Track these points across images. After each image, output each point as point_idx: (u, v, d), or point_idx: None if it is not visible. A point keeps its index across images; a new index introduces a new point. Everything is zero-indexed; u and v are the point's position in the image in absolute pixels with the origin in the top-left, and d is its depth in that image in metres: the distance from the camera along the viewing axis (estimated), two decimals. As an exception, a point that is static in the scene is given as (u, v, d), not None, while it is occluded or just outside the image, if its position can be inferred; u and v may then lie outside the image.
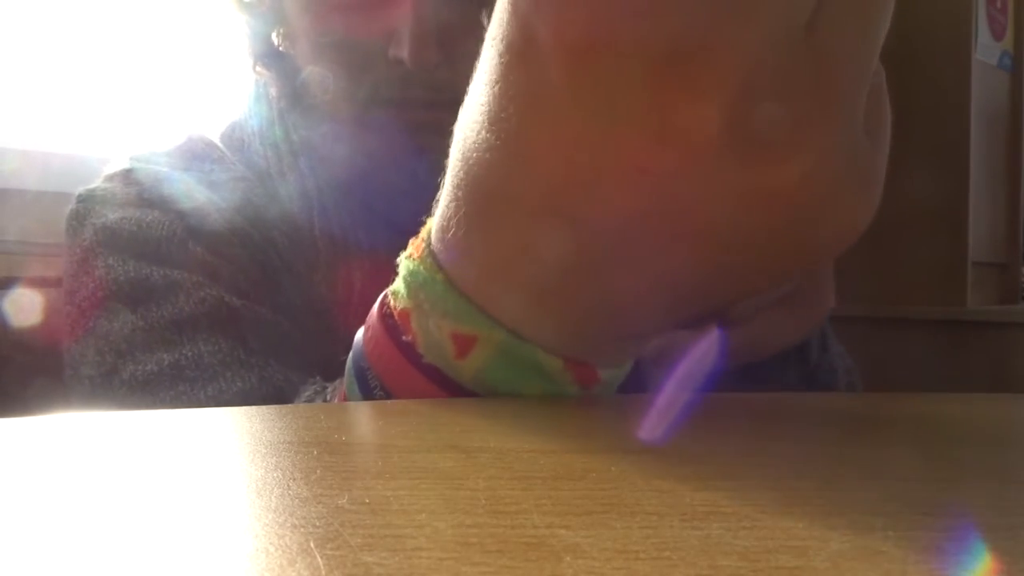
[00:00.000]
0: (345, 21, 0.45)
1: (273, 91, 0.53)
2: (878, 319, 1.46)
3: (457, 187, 0.24)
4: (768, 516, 0.13)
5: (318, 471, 0.16)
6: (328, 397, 0.36)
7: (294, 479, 0.15)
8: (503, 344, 0.24)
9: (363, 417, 0.23)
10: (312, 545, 0.11)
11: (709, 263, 0.22)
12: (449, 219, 0.24)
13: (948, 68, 1.59)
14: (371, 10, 0.45)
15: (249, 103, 0.55)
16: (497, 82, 0.21)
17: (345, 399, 0.28)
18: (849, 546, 0.12)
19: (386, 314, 0.26)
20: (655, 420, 0.20)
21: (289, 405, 0.32)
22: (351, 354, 0.28)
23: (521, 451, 0.18)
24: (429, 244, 0.26)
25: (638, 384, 0.27)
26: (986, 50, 1.62)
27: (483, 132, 0.22)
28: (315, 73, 0.48)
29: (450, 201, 0.24)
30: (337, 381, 0.37)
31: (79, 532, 0.12)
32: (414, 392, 0.26)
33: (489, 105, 0.22)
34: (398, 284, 0.27)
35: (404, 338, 0.25)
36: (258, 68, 0.53)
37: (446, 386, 0.25)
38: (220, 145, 0.54)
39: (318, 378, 0.40)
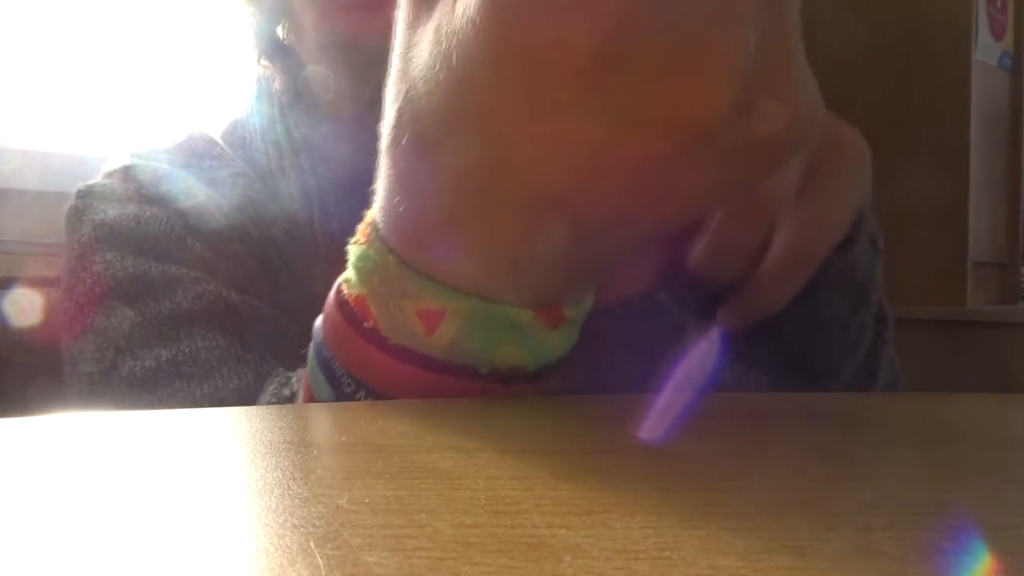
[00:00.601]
0: (350, 20, 0.45)
1: (277, 85, 0.53)
2: (878, 319, 1.46)
3: (422, 180, 0.24)
4: (768, 516, 0.13)
5: (318, 471, 0.16)
6: (294, 388, 0.36)
7: (294, 479, 0.15)
8: (473, 312, 0.24)
9: (363, 417, 0.23)
10: (312, 545, 0.11)
11: (690, 209, 0.24)
12: (414, 212, 0.24)
13: (948, 68, 1.59)
14: (376, 9, 0.45)
15: (251, 101, 0.55)
16: (477, 87, 0.21)
17: (309, 390, 0.28)
18: (849, 546, 0.12)
19: (342, 302, 0.26)
20: (655, 420, 0.20)
21: (289, 405, 0.32)
22: (312, 344, 0.28)
23: (521, 451, 0.18)
24: (376, 228, 0.26)
25: (644, 383, 0.27)
26: (986, 50, 1.62)
27: (461, 132, 0.22)
28: (318, 72, 0.48)
29: (412, 193, 0.24)
30: (300, 371, 0.37)
31: (79, 532, 0.12)
32: (385, 376, 0.26)
33: (466, 107, 0.22)
34: (349, 271, 0.27)
35: (365, 324, 0.25)
36: (262, 61, 0.53)
37: (418, 363, 0.25)
38: (221, 142, 0.54)
39: (280, 370, 0.40)
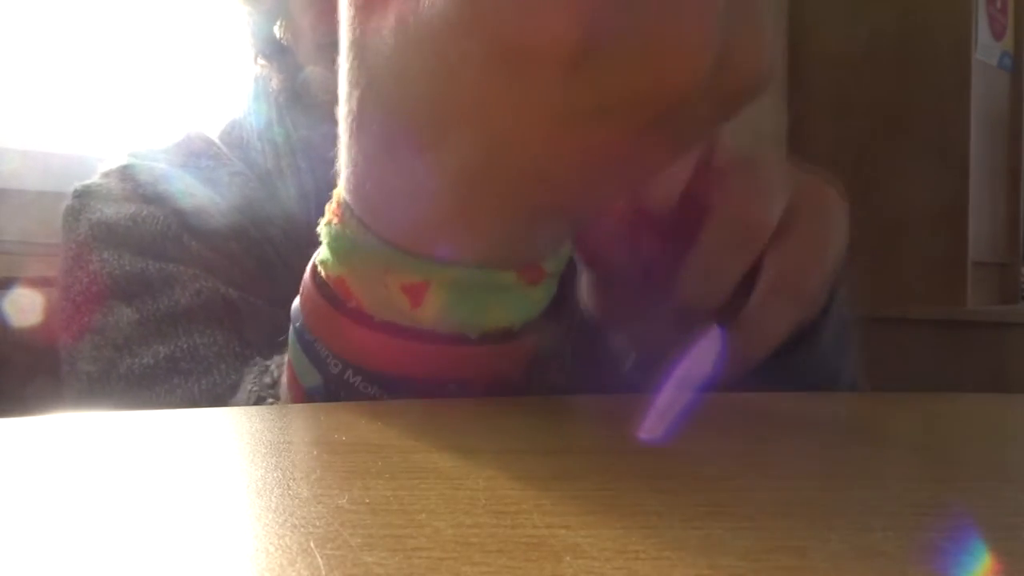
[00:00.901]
0: None
1: (274, 84, 0.53)
2: (878, 319, 1.46)
3: (408, 175, 0.24)
4: (768, 516, 0.13)
5: (318, 471, 0.16)
6: (275, 374, 0.36)
7: (294, 479, 0.15)
8: (457, 280, 0.25)
9: (363, 417, 0.23)
10: (312, 545, 0.11)
11: (669, 161, 0.25)
12: (399, 201, 0.25)
13: (948, 68, 1.59)
14: None
15: (249, 101, 0.55)
16: (461, 82, 0.21)
17: (293, 374, 0.28)
18: (849, 546, 0.12)
19: (320, 283, 0.26)
20: (655, 420, 0.20)
21: (288, 405, 0.32)
22: (291, 328, 0.28)
23: (521, 451, 0.18)
24: (349, 207, 0.26)
25: (637, 383, 0.27)
26: (986, 50, 1.63)
27: (454, 130, 0.22)
28: (317, 73, 0.48)
29: (398, 187, 0.24)
30: (277, 357, 0.37)
31: (79, 532, 0.12)
32: (374, 353, 0.26)
33: (454, 104, 0.22)
34: (324, 252, 0.27)
35: (349, 304, 0.25)
36: (260, 60, 0.53)
37: (407, 336, 0.25)
38: (218, 143, 0.54)
39: (257, 359, 0.40)
